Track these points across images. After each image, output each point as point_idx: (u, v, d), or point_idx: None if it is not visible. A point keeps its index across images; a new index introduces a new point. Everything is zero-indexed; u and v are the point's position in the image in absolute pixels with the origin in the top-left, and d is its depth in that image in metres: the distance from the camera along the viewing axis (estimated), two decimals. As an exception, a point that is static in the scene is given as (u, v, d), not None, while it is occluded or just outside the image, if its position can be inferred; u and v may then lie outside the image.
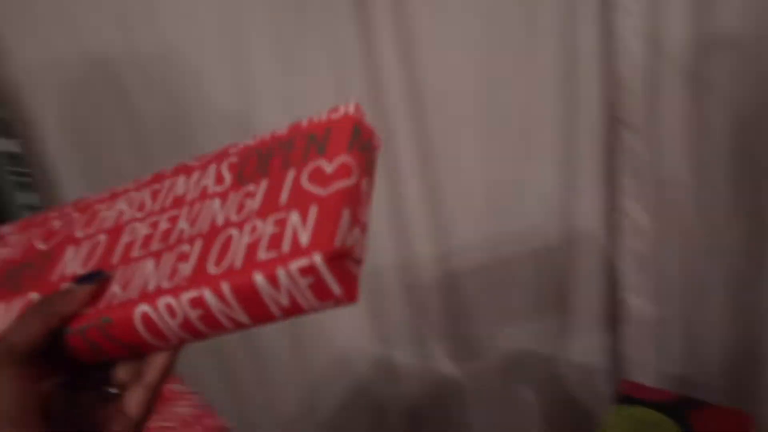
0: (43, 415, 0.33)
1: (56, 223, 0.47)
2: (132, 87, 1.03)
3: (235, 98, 1.03)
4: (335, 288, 0.33)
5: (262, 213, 0.37)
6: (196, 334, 0.36)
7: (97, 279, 0.39)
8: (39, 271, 0.43)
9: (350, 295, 0.33)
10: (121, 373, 0.38)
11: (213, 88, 1.03)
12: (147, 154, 1.07)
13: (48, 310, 0.37)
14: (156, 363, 0.38)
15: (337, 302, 0.34)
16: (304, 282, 0.32)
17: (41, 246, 0.46)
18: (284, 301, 0.33)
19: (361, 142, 0.39)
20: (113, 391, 0.38)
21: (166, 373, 0.39)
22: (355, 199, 0.35)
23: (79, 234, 0.45)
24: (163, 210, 0.43)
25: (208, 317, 0.35)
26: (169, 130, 1.06)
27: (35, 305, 0.37)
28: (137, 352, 0.37)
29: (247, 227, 0.37)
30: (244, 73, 1.02)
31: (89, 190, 0.50)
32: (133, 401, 0.37)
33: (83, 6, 0.98)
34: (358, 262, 0.34)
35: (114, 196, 0.48)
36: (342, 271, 0.33)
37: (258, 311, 0.34)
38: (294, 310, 0.34)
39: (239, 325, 0.35)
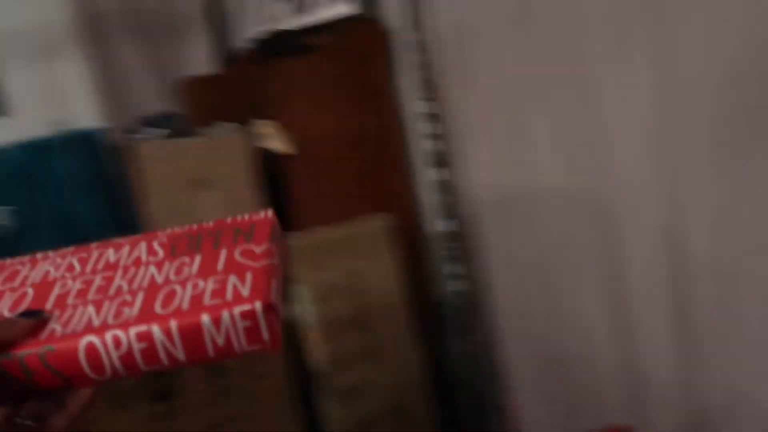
0: None
1: None
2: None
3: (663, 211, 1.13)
4: (265, 334, 0.40)
5: (202, 275, 0.44)
6: (131, 369, 0.40)
7: (36, 316, 0.42)
8: None
9: (275, 344, 0.41)
10: (40, 406, 0.41)
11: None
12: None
13: None
14: (81, 394, 0.42)
15: (264, 348, 0.41)
16: (242, 325, 0.40)
17: None
18: (220, 341, 0.40)
19: (277, 236, 0.49)
20: (29, 423, 0.40)
21: (89, 406, 0.43)
22: (278, 274, 0.45)
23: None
24: (94, 272, 0.48)
25: (150, 351, 0.40)
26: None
27: None
28: (67, 384, 0.41)
29: (189, 284, 0.44)
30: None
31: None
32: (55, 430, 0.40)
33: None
34: (280, 320, 0.41)
35: (35, 261, 0.51)
36: (271, 322, 0.40)
37: (196, 349, 0.40)
38: (225, 351, 0.40)
39: (173, 362, 0.41)
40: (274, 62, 1.70)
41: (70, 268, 0.49)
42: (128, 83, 2.15)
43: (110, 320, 0.41)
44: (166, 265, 0.47)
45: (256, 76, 1.77)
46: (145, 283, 0.45)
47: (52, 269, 0.49)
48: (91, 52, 2.08)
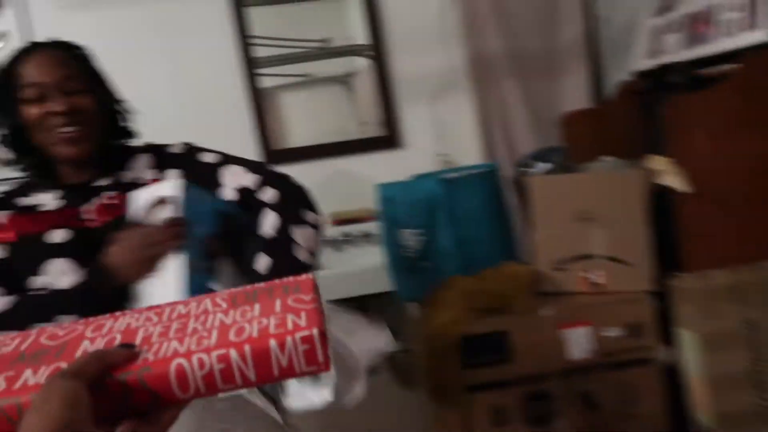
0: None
1: (58, 331, 0.56)
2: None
3: None
4: (321, 356, 0.48)
5: (264, 315, 0.52)
6: (210, 388, 0.48)
7: (131, 347, 0.50)
8: (59, 353, 0.52)
9: (327, 365, 0.49)
10: (135, 425, 0.48)
11: None
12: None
13: (102, 355, 0.48)
14: (167, 417, 0.49)
15: (318, 369, 0.49)
16: (302, 348, 0.48)
17: (48, 342, 0.54)
18: (284, 362, 0.48)
19: (318, 293, 0.57)
20: None
21: (171, 423, 0.50)
22: (323, 317, 0.52)
23: (89, 334, 0.55)
24: (170, 320, 0.55)
25: (227, 371, 0.48)
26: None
27: (93, 353, 0.49)
28: (156, 402, 0.48)
29: (254, 322, 0.51)
30: None
31: None
32: None
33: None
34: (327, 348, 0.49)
35: (115, 317, 0.58)
36: (324, 347, 0.48)
37: (264, 370, 0.48)
38: (287, 372, 0.49)
39: (245, 382, 0.48)
40: (664, 96, 1.64)
41: (148, 319, 0.56)
42: (509, 119, 2.31)
43: (193, 347, 0.49)
44: (231, 312, 0.55)
45: (642, 110, 1.74)
46: (217, 324, 0.53)
47: (132, 321, 0.56)
48: (476, 91, 2.31)
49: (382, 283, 2.02)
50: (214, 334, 0.51)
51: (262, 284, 0.61)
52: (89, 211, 1.08)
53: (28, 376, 0.49)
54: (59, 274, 1.02)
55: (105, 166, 1.12)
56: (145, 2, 2.19)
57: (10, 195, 1.12)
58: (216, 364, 0.48)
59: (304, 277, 0.61)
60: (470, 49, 2.29)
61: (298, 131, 2.33)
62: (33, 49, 1.07)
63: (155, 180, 1.11)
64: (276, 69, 2.30)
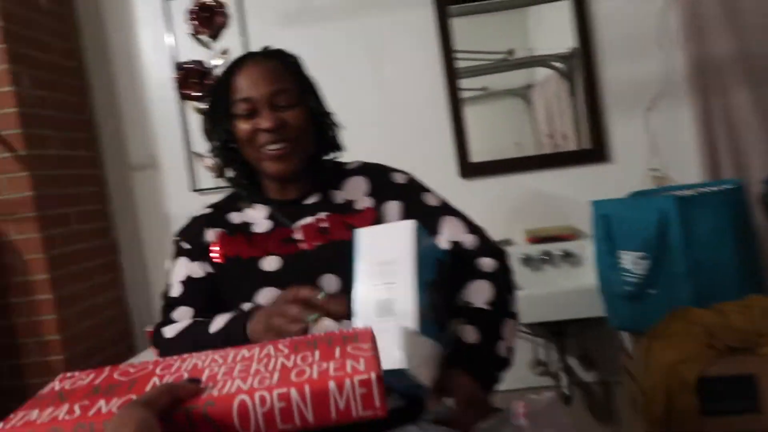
0: None
1: (129, 369, 0.61)
2: None
3: None
4: (377, 401, 0.51)
5: (324, 360, 0.54)
6: (269, 427, 0.50)
7: (198, 382, 0.53)
8: (131, 387, 0.56)
9: (383, 409, 0.51)
10: None
11: None
12: None
13: (172, 388, 0.51)
14: None
15: (375, 413, 0.51)
16: (359, 391, 0.50)
17: (120, 378, 0.58)
18: (342, 405, 0.50)
19: (375, 342, 0.59)
20: None
21: None
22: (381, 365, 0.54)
23: (158, 372, 0.59)
24: (234, 362, 0.58)
25: (287, 411, 0.49)
26: None
27: (163, 385, 0.53)
28: None
29: (315, 365, 0.53)
30: None
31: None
32: None
33: None
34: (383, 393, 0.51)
35: (183, 358, 0.62)
36: (381, 392, 0.51)
37: (322, 411, 0.50)
38: (345, 415, 0.50)
39: (303, 423, 0.50)
40: None
41: (214, 360, 0.60)
42: (737, 132, 2.03)
43: (256, 385, 0.52)
44: (292, 356, 0.57)
45: None
46: (279, 366, 0.55)
47: (199, 362, 0.60)
48: (698, 100, 2.06)
49: (584, 308, 1.86)
50: (276, 375, 0.54)
51: (321, 334, 0.65)
52: (299, 231, 1.04)
53: (102, 405, 0.53)
54: (263, 301, 0.98)
55: (314, 183, 1.09)
56: (353, 15, 2.23)
57: (220, 210, 1.11)
58: (277, 402, 0.50)
59: (362, 329, 0.64)
60: (692, 53, 2.06)
61: (476, 146, 2.23)
62: (247, 59, 1.07)
63: (371, 210, 1.05)
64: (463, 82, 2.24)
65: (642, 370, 1.57)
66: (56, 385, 0.60)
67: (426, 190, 1.10)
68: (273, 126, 1.01)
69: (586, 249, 2.00)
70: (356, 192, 1.08)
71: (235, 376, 0.54)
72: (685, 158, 2.11)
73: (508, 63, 2.22)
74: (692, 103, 2.08)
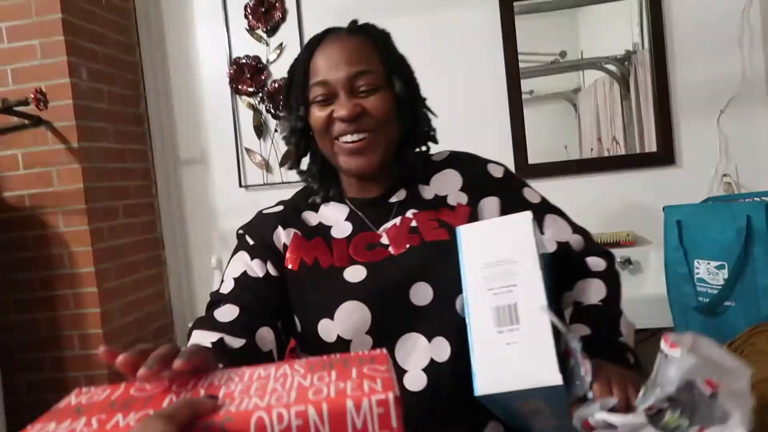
0: None
1: (145, 385, 0.59)
2: None
3: None
4: (395, 422, 0.50)
5: (340, 380, 0.54)
6: None
7: (216, 399, 0.53)
8: (147, 402, 0.55)
9: (400, 430, 0.50)
10: None
11: None
12: None
13: (191, 402, 0.51)
14: None
15: None
16: (377, 411, 0.50)
17: (137, 394, 0.58)
18: (359, 424, 0.50)
19: (391, 365, 0.58)
20: None
21: None
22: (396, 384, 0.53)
23: (175, 389, 0.58)
24: (251, 380, 0.57)
25: (304, 428, 0.49)
26: None
27: (183, 399, 0.52)
28: None
29: (332, 385, 0.53)
30: None
31: None
32: None
33: None
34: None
35: (198, 376, 0.60)
36: (398, 412, 0.50)
37: (338, 429, 0.49)
38: None
39: None
40: None
41: (230, 379, 0.58)
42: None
43: (274, 402, 0.51)
44: (309, 376, 0.56)
45: None
46: (295, 385, 0.55)
47: (215, 380, 0.59)
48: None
49: (644, 318, 1.73)
50: (293, 393, 0.53)
51: (337, 355, 0.62)
52: (386, 234, 0.91)
53: (119, 419, 0.53)
54: (346, 317, 0.85)
55: (399, 178, 0.95)
56: (419, 11, 2.17)
57: (294, 208, 0.98)
58: (294, 420, 0.50)
59: (378, 352, 0.62)
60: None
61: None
62: (327, 36, 0.93)
63: (466, 207, 0.92)
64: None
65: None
66: (72, 399, 0.61)
67: (525, 184, 0.99)
68: (349, 114, 0.87)
69: (647, 256, 1.90)
70: (448, 186, 0.95)
71: (252, 394, 0.54)
72: (758, 165, 1.97)
73: (559, 65, 2.15)
74: (771, 107, 1.94)
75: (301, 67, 0.92)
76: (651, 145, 2.06)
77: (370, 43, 0.92)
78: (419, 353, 0.83)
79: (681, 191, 1.92)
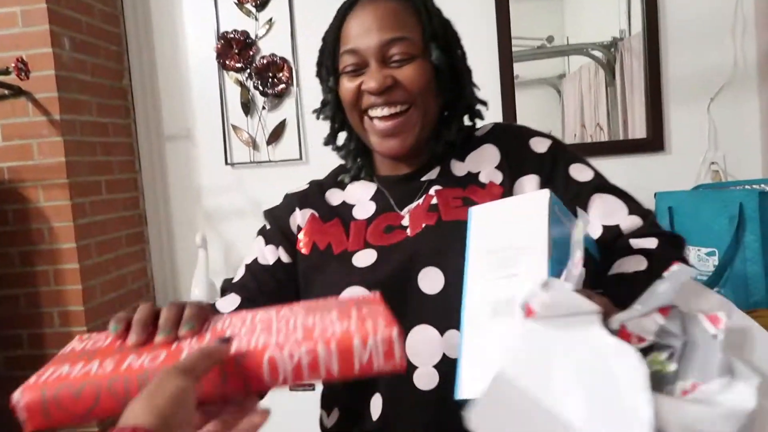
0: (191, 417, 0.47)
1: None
2: None
3: None
4: (398, 354, 0.53)
5: (342, 320, 0.57)
6: (296, 378, 0.53)
7: (227, 341, 0.54)
8: (156, 348, 0.57)
9: (402, 364, 0.53)
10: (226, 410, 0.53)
11: None
12: None
13: (210, 352, 0.52)
14: (252, 421, 0.53)
15: (394, 367, 0.53)
16: (382, 347, 0.53)
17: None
18: (365, 359, 0.52)
19: (384, 303, 0.61)
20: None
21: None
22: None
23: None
24: (253, 322, 0.59)
25: (314, 364, 0.52)
26: None
27: (201, 350, 0.52)
28: (247, 389, 0.53)
29: (336, 323, 0.56)
30: None
31: None
32: None
33: None
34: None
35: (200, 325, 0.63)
36: (401, 347, 0.53)
37: (347, 365, 0.53)
38: (367, 368, 0.53)
39: (328, 375, 0.53)
40: None
41: (232, 323, 0.60)
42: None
43: (281, 340, 0.54)
44: (311, 317, 0.58)
45: None
46: (299, 324, 0.57)
47: (218, 325, 0.60)
48: (767, 94, 1.93)
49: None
50: (300, 331, 0.55)
51: (332, 299, 0.65)
52: (408, 216, 0.83)
53: (133, 360, 0.54)
54: None
55: (436, 153, 0.87)
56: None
57: (320, 186, 0.93)
58: (305, 357, 0.52)
59: (371, 295, 0.65)
60: (765, 42, 1.93)
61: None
62: None
63: (498, 186, 0.80)
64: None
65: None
66: (76, 345, 0.61)
67: (575, 159, 0.84)
68: (379, 86, 0.79)
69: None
70: (483, 163, 0.85)
71: (259, 334, 0.56)
72: (746, 153, 1.99)
73: (545, 50, 2.14)
74: (760, 96, 1.95)
75: (333, 33, 0.85)
76: (636, 131, 2.06)
77: (409, 7, 0.83)
78: (430, 348, 0.74)
79: (669, 178, 1.93)
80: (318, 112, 0.92)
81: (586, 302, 0.51)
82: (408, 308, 0.75)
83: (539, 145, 0.85)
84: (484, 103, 0.93)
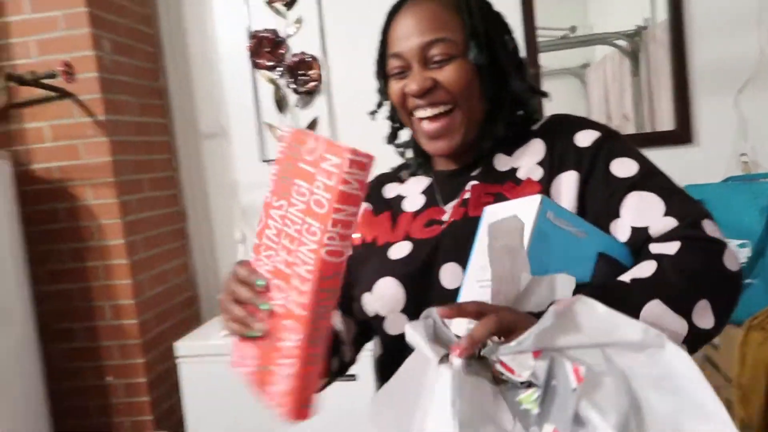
0: None
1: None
2: None
3: None
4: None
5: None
6: (343, 237, 0.63)
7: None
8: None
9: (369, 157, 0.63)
10: None
11: None
12: None
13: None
14: None
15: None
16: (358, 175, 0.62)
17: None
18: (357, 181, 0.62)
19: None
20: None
21: None
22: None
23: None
24: (278, 243, 0.69)
25: (345, 223, 0.62)
26: None
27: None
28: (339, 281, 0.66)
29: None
30: None
31: None
32: None
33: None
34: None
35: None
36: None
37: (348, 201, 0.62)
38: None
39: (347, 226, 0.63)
40: None
41: (265, 258, 0.71)
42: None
43: (306, 240, 0.65)
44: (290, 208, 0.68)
45: None
46: (298, 219, 0.66)
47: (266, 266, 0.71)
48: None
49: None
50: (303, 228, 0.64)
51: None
52: (451, 209, 0.85)
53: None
54: (381, 292, 0.83)
55: (485, 150, 0.87)
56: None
57: (380, 180, 0.97)
58: (333, 230, 0.62)
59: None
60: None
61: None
62: (405, 1, 0.85)
63: (535, 183, 0.80)
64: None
65: (734, 362, 1.51)
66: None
67: (621, 152, 0.79)
68: (419, 89, 0.81)
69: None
70: (527, 158, 0.83)
71: (296, 246, 0.65)
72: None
73: (569, 40, 2.14)
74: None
75: (382, 37, 0.88)
76: (664, 123, 2.08)
77: (451, 6, 0.83)
78: None
79: (698, 170, 1.93)
80: (372, 113, 0.96)
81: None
82: (431, 301, 0.73)
83: (583, 139, 0.81)
84: (542, 94, 0.94)
